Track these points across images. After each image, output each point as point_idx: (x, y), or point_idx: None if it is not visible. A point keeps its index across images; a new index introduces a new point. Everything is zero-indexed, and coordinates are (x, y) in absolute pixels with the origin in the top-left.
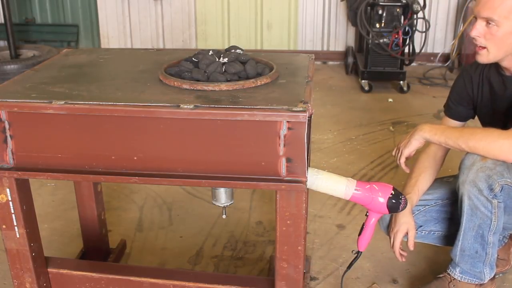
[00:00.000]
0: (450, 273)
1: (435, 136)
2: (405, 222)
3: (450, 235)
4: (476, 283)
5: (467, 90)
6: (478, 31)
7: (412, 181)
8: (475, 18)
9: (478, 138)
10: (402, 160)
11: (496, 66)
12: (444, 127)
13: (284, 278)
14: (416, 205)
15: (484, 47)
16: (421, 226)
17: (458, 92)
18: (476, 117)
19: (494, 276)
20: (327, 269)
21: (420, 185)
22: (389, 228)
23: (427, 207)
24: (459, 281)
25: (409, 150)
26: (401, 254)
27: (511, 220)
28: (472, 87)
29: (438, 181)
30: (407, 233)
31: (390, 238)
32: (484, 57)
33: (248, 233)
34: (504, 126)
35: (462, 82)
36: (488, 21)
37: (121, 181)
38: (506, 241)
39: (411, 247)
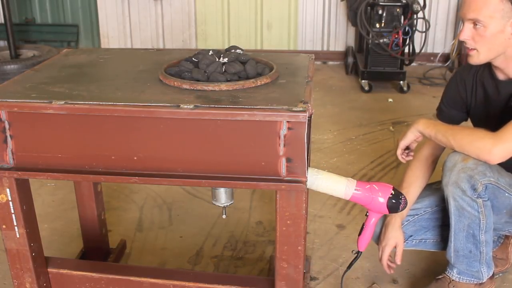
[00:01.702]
0: (448, 274)
1: (427, 129)
2: (394, 236)
3: (442, 240)
4: (475, 282)
5: (460, 94)
6: (466, 34)
7: (402, 192)
8: (462, 22)
9: (465, 134)
10: (399, 152)
11: (489, 69)
12: (438, 122)
13: (284, 278)
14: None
15: (474, 49)
16: (411, 235)
17: (451, 96)
18: (469, 120)
19: (493, 276)
20: (327, 269)
21: (410, 197)
22: (379, 239)
23: (416, 216)
24: (458, 282)
25: (404, 142)
26: (389, 267)
27: (500, 220)
28: (466, 90)
29: (427, 188)
30: (395, 247)
31: (378, 251)
32: (475, 58)
33: (248, 233)
34: (496, 130)
35: (455, 85)
36: (475, 23)
37: (121, 181)
38: (502, 241)
39: (398, 262)
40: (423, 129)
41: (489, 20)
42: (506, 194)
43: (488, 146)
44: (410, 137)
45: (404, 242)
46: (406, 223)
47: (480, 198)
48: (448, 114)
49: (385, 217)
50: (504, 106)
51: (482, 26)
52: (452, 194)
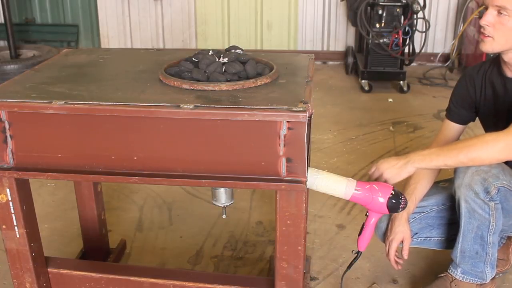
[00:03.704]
0: (451, 273)
1: (431, 162)
2: (401, 231)
3: (447, 239)
4: (478, 282)
5: (469, 93)
6: (488, 19)
7: (410, 188)
8: (485, 8)
9: (478, 148)
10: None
11: (498, 68)
12: (435, 150)
13: (284, 278)
14: (412, 213)
15: (490, 37)
16: (416, 233)
17: (460, 95)
18: (478, 120)
19: (494, 276)
20: (327, 269)
21: (418, 193)
22: (385, 236)
23: (422, 214)
24: (461, 281)
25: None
26: (396, 262)
27: (508, 222)
28: (475, 90)
29: (434, 186)
30: (402, 241)
31: (385, 246)
32: (488, 45)
33: (248, 233)
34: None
35: (464, 84)
36: (499, 11)
37: (121, 181)
38: (504, 242)
39: (405, 256)
40: (425, 164)
41: None
42: None
43: (510, 141)
44: (406, 175)
45: (410, 238)
46: (412, 220)
47: (493, 201)
48: (457, 113)
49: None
50: (511, 104)
51: (507, 16)
52: (465, 196)
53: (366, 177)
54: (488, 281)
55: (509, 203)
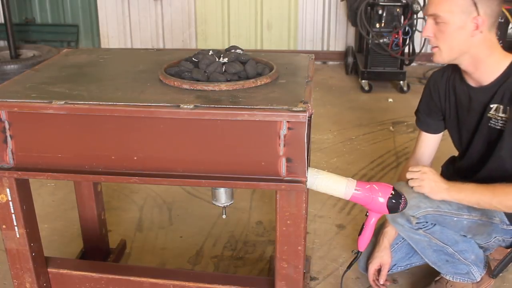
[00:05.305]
0: (444, 275)
1: (465, 197)
2: (379, 256)
3: None
4: (470, 282)
5: (434, 100)
6: (428, 30)
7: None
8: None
9: (505, 189)
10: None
11: (460, 74)
12: (473, 186)
13: (284, 278)
14: None
15: (437, 47)
16: (395, 264)
17: (425, 102)
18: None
19: (490, 273)
20: (327, 269)
21: None
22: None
23: (396, 246)
24: (454, 281)
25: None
26: (379, 285)
27: (475, 237)
28: (439, 96)
29: None
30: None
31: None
32: (437, 57)
33: (248, 233)
34: (470, 141)
35: (428, 91)
36: (436, 19)
37: (121, 181)
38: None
39: (381, 281)
40: (459, 197)
41: (448, 15)
42: (455, 219)
43: None
44: (439, 197)
45: (389, 265)
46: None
47: (420, 228)
48: (424, 122)
49: (376, 237)
50: (479, 116)
51: (443, 22)
52: (396, 227)
53: (366, 177)
54: (479, 279)
55: (449, 224)
